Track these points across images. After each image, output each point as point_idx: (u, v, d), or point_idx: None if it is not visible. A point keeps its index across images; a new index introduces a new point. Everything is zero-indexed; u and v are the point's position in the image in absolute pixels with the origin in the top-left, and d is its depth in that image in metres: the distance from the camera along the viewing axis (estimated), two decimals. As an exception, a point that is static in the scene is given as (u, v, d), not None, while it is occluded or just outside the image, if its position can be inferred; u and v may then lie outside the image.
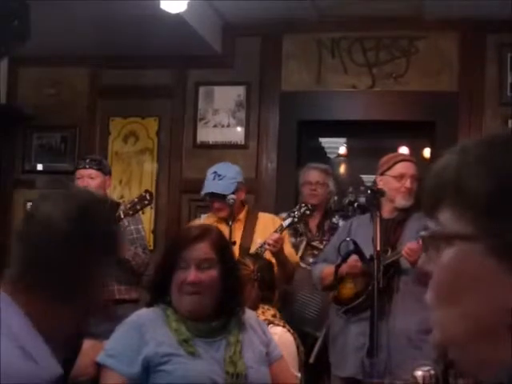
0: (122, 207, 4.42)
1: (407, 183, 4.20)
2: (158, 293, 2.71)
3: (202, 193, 4.68)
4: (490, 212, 0.85)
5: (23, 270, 1.50)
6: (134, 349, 2.57)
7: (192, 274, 2.62)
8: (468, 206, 0.87)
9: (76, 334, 1.60)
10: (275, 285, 3.53)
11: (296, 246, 4.99)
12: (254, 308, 3.07)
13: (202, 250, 2.67)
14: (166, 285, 2.67)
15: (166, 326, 2.63)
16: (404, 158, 4.36)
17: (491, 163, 0.87)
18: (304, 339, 4.38)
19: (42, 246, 1.49)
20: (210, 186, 4.64)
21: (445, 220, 0.89)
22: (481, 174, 0.86)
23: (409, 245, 3.99)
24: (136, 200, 4.55)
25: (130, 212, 4.40)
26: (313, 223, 5.19)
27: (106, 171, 4.88)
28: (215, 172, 4.67)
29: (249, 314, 2.84)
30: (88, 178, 4.76)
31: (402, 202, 4.23)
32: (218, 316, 2.68)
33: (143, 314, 2.70)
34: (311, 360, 4.47)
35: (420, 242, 3.94)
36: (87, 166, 4.80)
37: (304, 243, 4.99)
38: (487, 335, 0.85)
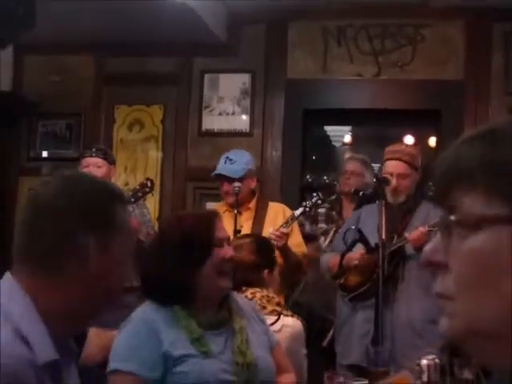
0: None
1: (393, 183, 4.23)
2: (180, 291, 2.56)
3: (212, 174, 4.69)
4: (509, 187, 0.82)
5: (18, 247, 1.56)
6: (152, 349, 2.48)
7: (230, 250, 2.62)
8: (501, 187, 0.84)
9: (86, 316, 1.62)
10: (259, 265, 3.43)
11: (326, 232, 5.04)
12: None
13: (224, 228, 2.69)
14: (187, 280, 2.57)
15: (176, 323, 2.54)
16: (391, 157, 4.35)
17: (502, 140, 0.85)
18: (323, 324, 4.43)
19: (31, 220, 1.57)
20: (220, 168, 4.66)
21: (468, 205, 0.87)
22: (492, 151, 0.85)
23: (416, 231, 4.03)
24: (138, 187, 4.67)
25: (132, 199, 4.52)
26: (348, 212, 5.23)
27: (110, 161, 4.94)
28: (227, 157, 4.70)
29: (243, 301, 2.85)
30: (94, 167, 4.80)
31: (390, 198, 4.26)
32: (221, 304, 2.68)
33: (149, 310, 2.59)
34: (324, 344, 4.50)
35: (427, 227, 3.97)
36: (94, 155, 4.85)
37: (333, 230, 5.05)
38: None
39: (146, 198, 4.90)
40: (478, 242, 0.85)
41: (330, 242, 5.01)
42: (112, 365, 2.47)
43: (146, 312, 2.59)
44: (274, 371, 2.74)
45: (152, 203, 5.90)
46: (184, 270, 2.55)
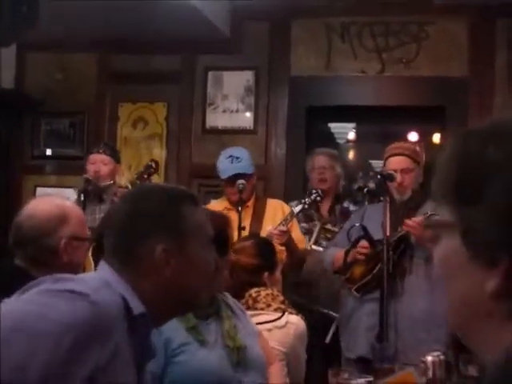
0: (129, 179, 4.64)
1: (398, 178, 4.21)
2: None
3: (224, 176, 4.64)
4: (459, 202, 0.90)
5: (107, 245, 1.80)
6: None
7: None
8: (448, 198, 0.92)
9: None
10: (260, 268, 3.45)
11: (309, 231, 5.01)
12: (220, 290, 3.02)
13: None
14: None
15: None
16: (393, 153, 4.34)
17: (460, 156, 0.91)
18: (321, 319, 4.42)
19: (110, 227, 1.82)
20: (232, 168, 4.62)
21: (444, 212, 0.94)
22: (453, 166, 0.91)
23: (413, 219, 4.03)
24: (142, 170, 4.71)
25: (138, 182, 4.57)
26: (324, 208, 5.20)
27: (117, 159, 4.97)
28: (231, 155, 4.68)
29: (224, 295, 2.92)
30: (101, 164, 4.81)
31: (397, 196, 4.26)
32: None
33: None
34: (327, 340, 4.49)
35: (424, 218, 3.98)
36: (101, 151, 4.87)
37: (318, 227, 5.01)
38: (474, 320, 0.91)
39: (151, 180, 4.92)
40: (441, 246, 0.95)
41: (316, 239, 4.98)
42: None
43: None
44: (263, 358, 2.82)
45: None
46: None
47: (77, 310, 1.53)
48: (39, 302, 1.56)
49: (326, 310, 4.72)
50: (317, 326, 3.68)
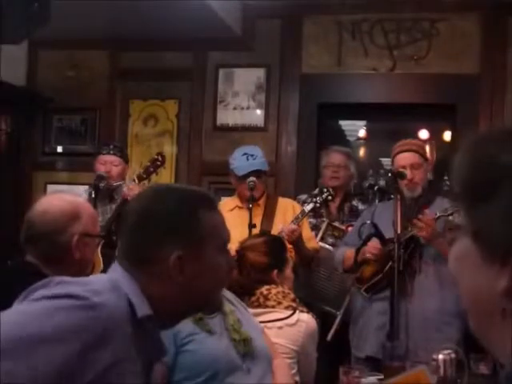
0: (136, 173, 4.72)
1: (408, 175, 4.19)
2: None
3: (242, 173, 4.60)
4: (472, 203, 0.91)
5: (120, 247, 1.77)
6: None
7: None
8: (462, 198, 0.93)
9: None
10: (269, 266, 3.45)
11: (317, 227, 5.01)
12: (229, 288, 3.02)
13: None
14: None
15: None
16: (401, 150, 4.32)
17: (471, 157, 0.93)
18: (323, 317, 4.40)
19: (126, 227, 1.78)
20: (248, 165, 4.59)
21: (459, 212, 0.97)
22: (467, 168, 0.93)
23: (421, 217, 4.02)
24: (148, 164, 4.72)
25: (144, 176, 4.62)
26: (333, 206, 5.20)
27: (126, 159, 5.01)
28: (246, 153, 4.65)
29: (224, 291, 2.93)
30: (111, 165, 4.85)
31: (408, 193, 4.24)
32: None
33: None
34: (328, 338, 4.47)
35: (434, 216, 3.97)
36: (111, 152, 4.90)
37: (325, 223, 5.01)
38: (486, 319, 0.92)
39: (158, 172, 4.93)
40: (455, 246, 0.97)
41: (322, 236, 4.97)
42: None
43: None
44: (268, 348, 2.86)
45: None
46: None
47: (71, 318, 1.49)
48: (35, 310, 1.51)
49: (328, 308, 4.72)
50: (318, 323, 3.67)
